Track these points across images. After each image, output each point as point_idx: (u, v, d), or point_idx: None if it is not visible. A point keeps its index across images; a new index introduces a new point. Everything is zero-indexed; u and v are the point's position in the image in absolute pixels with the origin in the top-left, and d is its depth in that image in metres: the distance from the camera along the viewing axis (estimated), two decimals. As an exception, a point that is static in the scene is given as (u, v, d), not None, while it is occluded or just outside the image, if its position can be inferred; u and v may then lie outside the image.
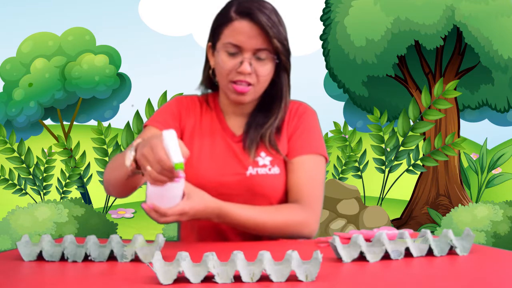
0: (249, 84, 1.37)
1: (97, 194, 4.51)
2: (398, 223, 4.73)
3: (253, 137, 1.44)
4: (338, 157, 4.66)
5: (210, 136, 1.47)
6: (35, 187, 4.51)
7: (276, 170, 1.42)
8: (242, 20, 1.35)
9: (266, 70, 1.38)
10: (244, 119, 1.49)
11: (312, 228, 1.40)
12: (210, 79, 1.50)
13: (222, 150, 1.45)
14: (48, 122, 4.90)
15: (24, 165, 4.49)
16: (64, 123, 4.87)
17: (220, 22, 1.39)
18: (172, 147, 1.07)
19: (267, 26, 1.34)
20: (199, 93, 1.55)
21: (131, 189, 1.34)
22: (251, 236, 1.40)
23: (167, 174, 1.08)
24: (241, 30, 1.35)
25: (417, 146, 4.39)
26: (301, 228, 1.37)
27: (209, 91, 1.54)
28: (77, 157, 4.44)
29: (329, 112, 4.76)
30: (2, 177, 4.49)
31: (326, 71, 4.79)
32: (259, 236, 1.39)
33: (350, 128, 4.66)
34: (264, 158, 1.43)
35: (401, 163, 4.46)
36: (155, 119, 1.47)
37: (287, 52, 1.40)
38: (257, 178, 1.41)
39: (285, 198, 1.46)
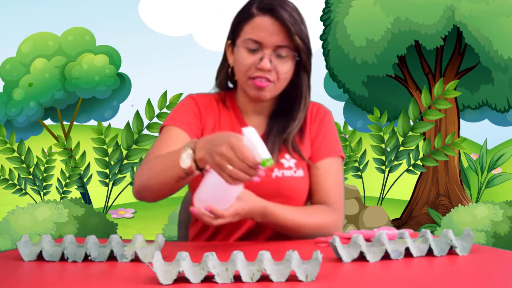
0: (269, 81, 1.36)
1: (97, 194, 4.51)
2: (398, 223, 4.73)
3: (275, 142, 1.43)
4: (338, 157, 4.66)
5: None
6: (35, 187, 4.51)
7: (300, 172, 1.43)
8: (264, 16, 1.34)
9: (286, 67, 1.36)
10: (263, 118, 1.48)
11: (340, 228, 1.44)
12: (227, 78, 1.48)
13: None
14: (48, 122, 4.89)
15: (24, 165, 4.49)
16: (64, 123, 4.87)
17: (241, 19, 1.38)
18: (257, 143, 1.05)
19: (289, 23, 1.33)
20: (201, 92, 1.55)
21: (173, 192, 1.29)
22: (266, 234, 1.41)
23: (252, 172, 1.06)
24: (263, 26, 1.34)
25: (417, 146, 4.39)
26: (331, 229, 1.40)
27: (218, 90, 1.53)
28: (77, 157, 4.44)
29: (329, 112, 4.75)
30: (2, 177, 4.49)
31: (326, 71, 4.79)
32: (278, 235, 1.39)
33: (350, 128, 4.66)
34: (289, 160, 1.44)
35: (401, 163, 4.46)
36: (175, 119, 1.44)
37: (308, 51, 1.39)
38: (283, 180, 1.41)
39: (307, 200, 1.47)
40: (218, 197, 1.16)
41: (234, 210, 1.20)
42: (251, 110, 1.48)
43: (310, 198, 1.48)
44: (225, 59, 1.46)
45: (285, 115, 1.46)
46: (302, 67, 1.40)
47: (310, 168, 1.46)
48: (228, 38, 1.44)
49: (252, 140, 1.05)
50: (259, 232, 1.43)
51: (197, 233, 1.50)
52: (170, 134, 1.41)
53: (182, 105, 1.48)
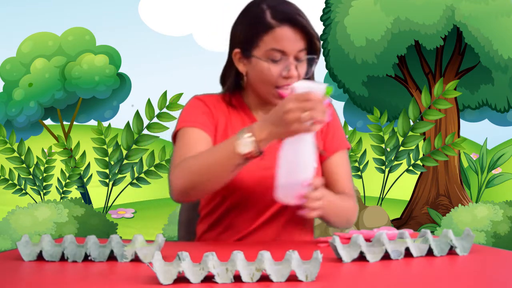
0: None
1: (97, 194, 4.51)
2: (398, 223, 4.73)
3: None
4: (338, 157, 4.66)
5: None
6: (35, 187, 4.51)
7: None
8: (284, 26, 1.38)
9: (304, 69, 1.43)
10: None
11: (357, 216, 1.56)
12: (235, 84, 1.49)
13: None
14: (48, 122, 4.89)
15: (24, 165, 4.49)
16: (64, 123, 4.87)
17: (258, 30, 1.39)
18: (309, 85, 1.14)
19: (309, 28, 1.40)
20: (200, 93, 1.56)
21: (223, 184, 1.33)
22: (263, 230, 1.44)
23: (322, 107, 1.13)
24: (285, 36, 1.38)
25: (417, 146, 4.39)
26: (354, 215, 1.51)
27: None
28: (77, 157, 4.43)
29: (329, 112, 4.74)
30: (2, 177, 4.49)
31: (326, 71, 4.79)
32: (283, 233, 1.43)
33: (350, 128, 4.66)
34: None
35: (401, 163, 4.45)
36: (190, 120, 1.44)
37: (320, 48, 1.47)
38: None
39: None
40: (300, 172, 1.18)
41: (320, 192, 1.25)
42: (260, 108, 1.51)
43: (328, 187, 1.52)
44: (231, 65, 1.47)
45: None
46: (313, 63, 1.47)
47: (322, 161, 1.53)
48: (236, 47, 1.44)
49: (304, 86, 1.14)
50: (267, 229, 1.45)
51: (206, 230, 1.51)
52: (191, 135, 1.42)
53: (191, 107, 1.49)
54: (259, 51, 1.39)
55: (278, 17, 1.38)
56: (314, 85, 1.14)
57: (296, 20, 1.38)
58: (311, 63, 1.44)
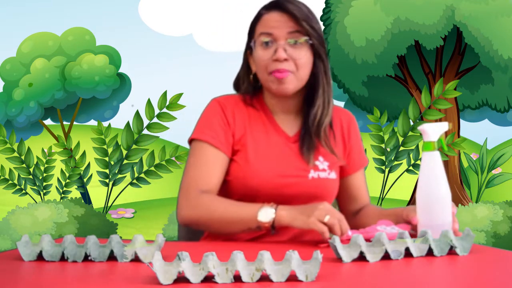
0: (288, 71, 1.41)
1: (97, 194, 4.51)
2: (398, 223, 4.72)
3: (309, 142, 1.48)
4: (338, 157, 4.66)
5: (264, 136, 1.48)
6: (35, 187, 4.51)
7: (333, 175, 1.50)
8: (271, 11, 1.43)
9: (301, 53, 1.41)
10: (293, 116, 1.52)
11: None
12: (251, 84, 1.51)
13: (280, 151, 1.47)
14: (48, 122, 4.89)
15: (24, 165, 4.49)
16: (64, 123, 4.86)
17: (253, 23, 1.46)
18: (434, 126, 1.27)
19: (295, 11, 1.40)
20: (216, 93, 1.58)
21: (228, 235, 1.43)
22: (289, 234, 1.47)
23: (342, 220, 1.26)
24: (272, 19, 1.41)
25: (417, 146, 4.39)
26: None
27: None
28: (77, 157, 4.43)
29: (329, 112, 4.73)
30: (2, 177, 4.49)
31: (326, 71, 4.79)
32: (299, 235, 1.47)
33: (350, 128, 4.65)
34: (322, 163, 1.49)
35: (401, 163, 4.45)
36: (205, 133, 1.45)
37: (320, 38, 1.44)
38: (319, 181, 1.47)
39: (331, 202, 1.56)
40: (439, 215, 1.22)
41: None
42: (280, 109, 1.51)
43: (353, 201, 1.60)
44: (247, 67, 1.50)
45: (310, 109, 1.50)
46: (317, 55, 1.44)
47: (345, 176, 1.57)
48: (247, 48, 1.49)
49: (430, 127, 1.28)
50: (286, 230, 1.45)
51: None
52: (205, 154, 1.43)
53: (209, 116, 1.48)
54: (253, 40, 1.45)
55: (268, 6, 1.45)
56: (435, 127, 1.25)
57: (283, 5, 1.41)
58: (313, 46, 1.44)
